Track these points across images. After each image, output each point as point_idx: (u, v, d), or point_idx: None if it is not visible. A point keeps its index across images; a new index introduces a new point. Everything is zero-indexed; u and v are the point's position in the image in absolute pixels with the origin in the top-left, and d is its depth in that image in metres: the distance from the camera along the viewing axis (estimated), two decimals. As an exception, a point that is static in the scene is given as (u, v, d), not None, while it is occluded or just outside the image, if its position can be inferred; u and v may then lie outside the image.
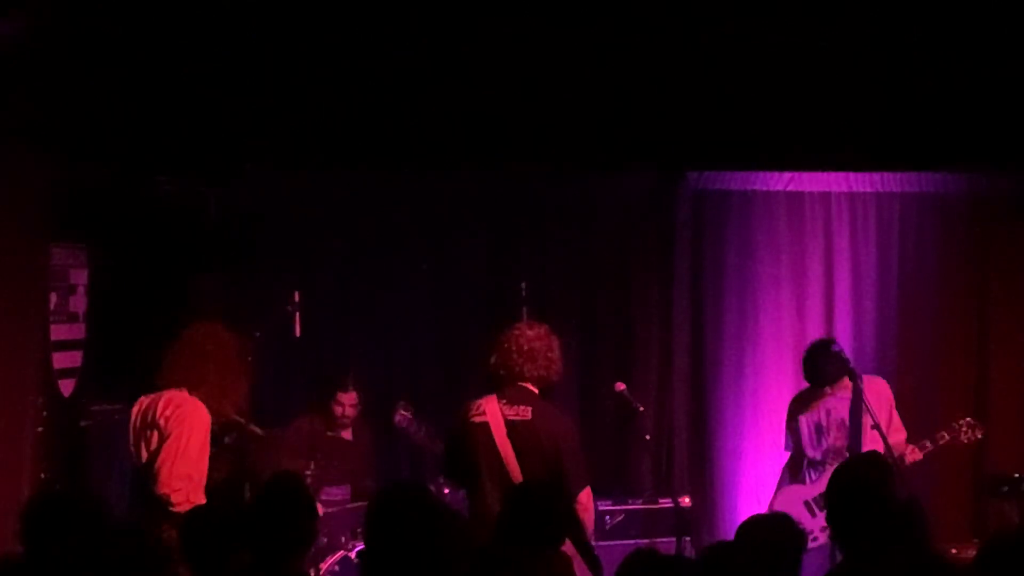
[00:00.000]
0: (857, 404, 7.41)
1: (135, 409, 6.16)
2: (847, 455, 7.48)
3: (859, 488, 4.71)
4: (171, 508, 5.79)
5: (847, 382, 7.72)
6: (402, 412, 8.20)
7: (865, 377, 7.79)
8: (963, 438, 8.02)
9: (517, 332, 6.43)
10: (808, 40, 8.13)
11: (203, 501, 5.92)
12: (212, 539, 4.88)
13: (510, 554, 5.09)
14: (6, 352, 7.15)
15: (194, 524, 5.03)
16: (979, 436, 8.07)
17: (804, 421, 8.13)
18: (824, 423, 8.05)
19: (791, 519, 4.96)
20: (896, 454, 7.51)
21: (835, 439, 7.98)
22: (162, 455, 5.90)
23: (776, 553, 4.77)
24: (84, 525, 4.23)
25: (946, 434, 8.00)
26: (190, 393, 6.12)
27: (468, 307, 9.00)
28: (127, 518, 5.90)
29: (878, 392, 7.93)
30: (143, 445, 6.05)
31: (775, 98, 8.35)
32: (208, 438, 6.03)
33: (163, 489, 5.82)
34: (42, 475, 7.39)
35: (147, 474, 5.94)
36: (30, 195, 7.31)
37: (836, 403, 7.97)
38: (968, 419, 8.09)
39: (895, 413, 8.06)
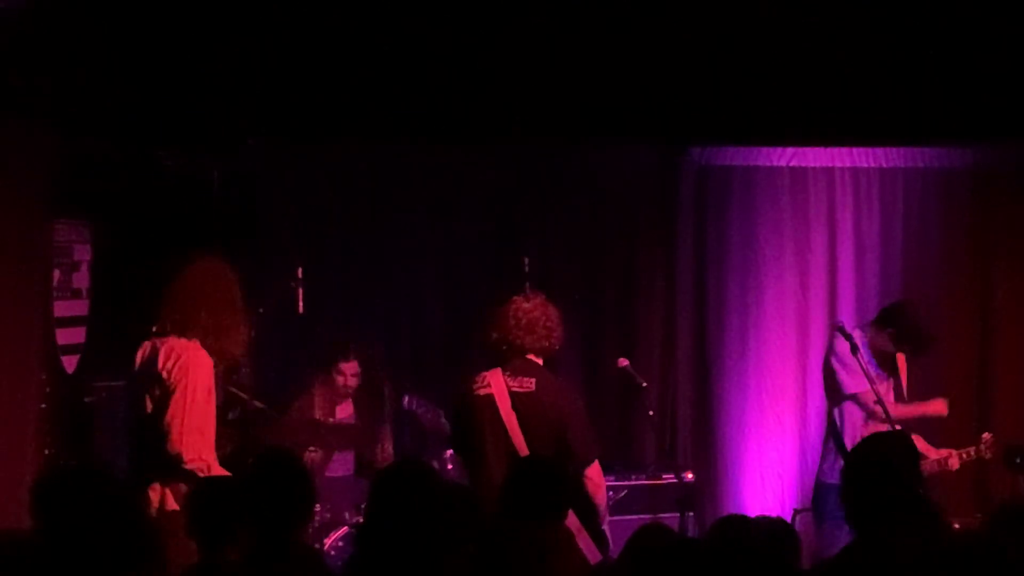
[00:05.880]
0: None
1: (138, 356, 6.02)
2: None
3: (882, 467, 4.61)
4: (183, 466, 5.73)
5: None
6: (409, 397, 8.20)
7: None
8: (986, 454, 7.86)
9: (514, 306, 6.42)
10: (810, 15, 8.12)
11: (214, 458, 5.86)
12: (218, 514, 4.88)
13: (512, 527, 5.08)
14: (9, 329, 7.14)
15: (200, 499, 5.02)
16: (994, 453, 7.91)
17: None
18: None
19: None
20: None
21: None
22: (170, 411, 5.77)
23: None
24: (96, 499, 4.20)
25: (973, 451, 7.82)
26: (187, 337, 5.93)
27: (471, 282, 8.96)
28: (129, 473, 5.81)
29: None
30: (147, 397, 5.93)
31: (778, 73, 8.34)
32: (212, 385, 5.88)
33: (175, 448, 5.74)
34: (46, 451, 7.39)
35: (153, 428, 5.83)
36: (33, 170, 7.29)
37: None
38: (988, 435, 7.92)
39: None
